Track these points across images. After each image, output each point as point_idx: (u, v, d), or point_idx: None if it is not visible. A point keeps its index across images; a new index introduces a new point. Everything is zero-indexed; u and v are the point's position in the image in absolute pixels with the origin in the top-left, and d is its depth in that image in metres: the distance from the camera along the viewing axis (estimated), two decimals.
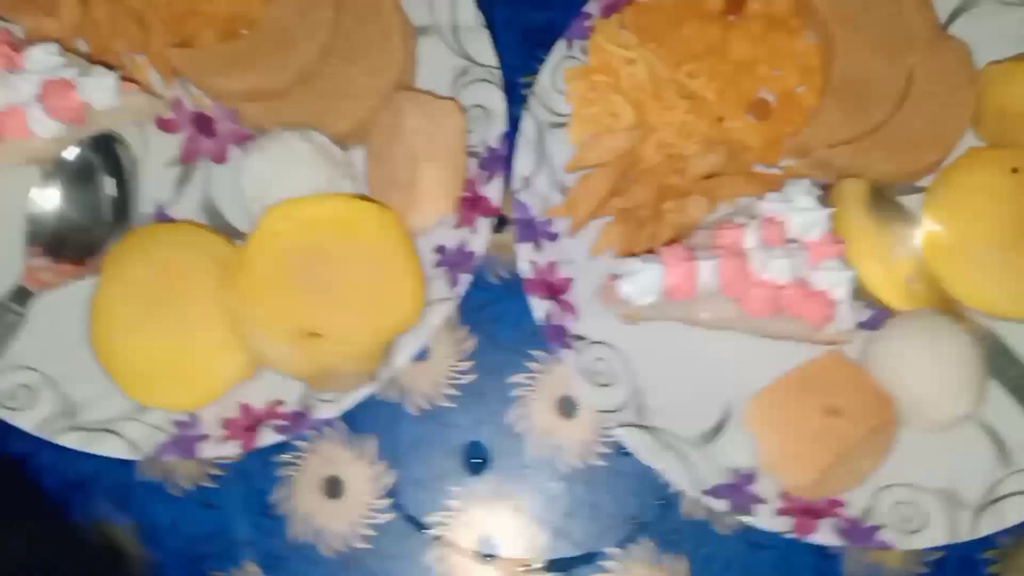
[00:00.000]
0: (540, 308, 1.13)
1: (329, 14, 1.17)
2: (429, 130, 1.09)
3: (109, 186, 1.15)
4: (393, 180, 1.11)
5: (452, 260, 1.13)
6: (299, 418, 1.10)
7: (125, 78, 1.14)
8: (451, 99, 1.14)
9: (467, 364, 1.19)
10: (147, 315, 1.06)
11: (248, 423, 1.10)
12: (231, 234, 1.16)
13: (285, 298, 1.02)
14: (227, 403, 1.10)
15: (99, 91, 1.10)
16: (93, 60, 1.18)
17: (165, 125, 1.21)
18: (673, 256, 1.04)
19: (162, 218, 1.18)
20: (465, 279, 1.13)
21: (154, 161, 1.20)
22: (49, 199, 1.14)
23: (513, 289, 1.19)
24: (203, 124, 1.21)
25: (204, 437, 1.09)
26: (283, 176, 1.08)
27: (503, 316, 1.20)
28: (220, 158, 1.20)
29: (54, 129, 1.11)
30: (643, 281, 1.04)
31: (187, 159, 1.20)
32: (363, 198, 1.08)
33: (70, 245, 1.14)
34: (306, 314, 1.01)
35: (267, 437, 1.09)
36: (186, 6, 1.19)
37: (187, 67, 1.17)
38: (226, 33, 1.19)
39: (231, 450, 1.09)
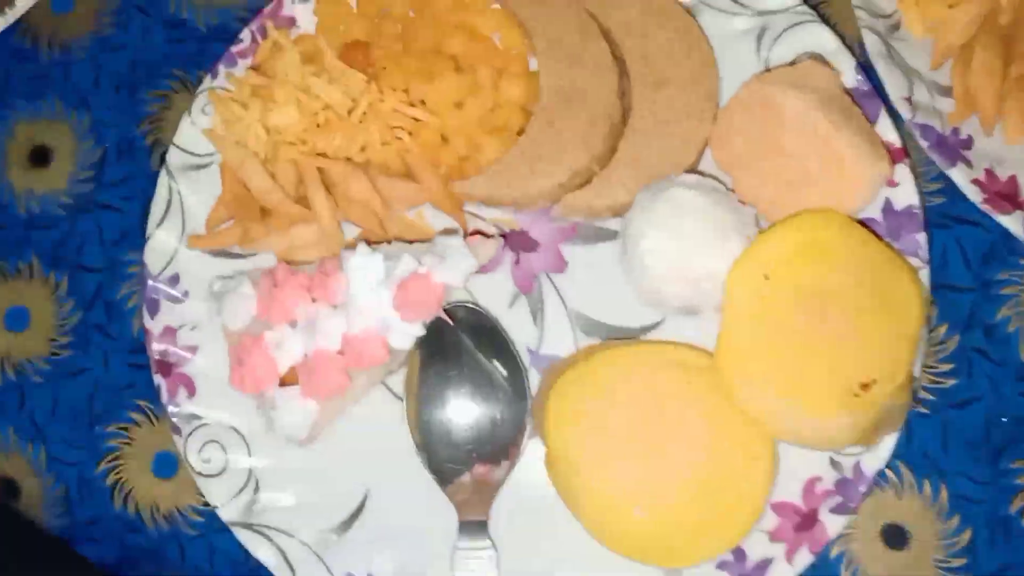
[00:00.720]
0: (1014, 223, 0.95)
1: (603, 48, 0.97)
2: (817, 102, 0.89)
3: (485, 362, 0.95)
4: (799, 176, 0.91)
5: (895, 226, 0.95)
6: (851, 484, 0.91)
7: (471, 233, 0.95)
8: (808, 59, 0.95)
9: (942, 328, 1.00)
10: (645, 471, 0.87)
11: (799, 522, 0.91)
12: (616, 336, 0.98)
13: (819, 364, 0.83)
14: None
15: (457, 262, 0.90)
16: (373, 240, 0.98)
17: (482, 268, 1.01)
18: None
19: (541, 360, 0.99)
20: (924, 240, 0.94)
21: (495, 310, 1.00)
22: (459, 412, 0.95)
23: (936, 222, 1.02)
24: (520, 242, 1.01)
25: (765, 564, 0.90)
26: (696, 237, 0.89)
27: (949, 254, 1.01)
28: (559, 266, 1.01)
29: (415, 332, 0.91)
30: None
31: (527, 287, 1.01)
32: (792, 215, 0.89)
33: (492, 447, 0.94)
34: (850, 368, 0.82)
35: (834, 524, 0.90)
36: (436, 135, 1.00)
37: (486, 191, 0.97)
38: (503, 132, 0.99)
39: (805, 560, 0.90)
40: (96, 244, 1.09)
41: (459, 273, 0.90)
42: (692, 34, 0.97)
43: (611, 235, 1.00)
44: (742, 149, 0.95)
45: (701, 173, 0.97)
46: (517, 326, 1.00)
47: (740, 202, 0.94)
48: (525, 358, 0.99)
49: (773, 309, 0.83)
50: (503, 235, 1.01)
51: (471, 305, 0.97)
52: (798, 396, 0.82)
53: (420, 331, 0.91)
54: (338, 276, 0.90)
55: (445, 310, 0.95)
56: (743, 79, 0.98)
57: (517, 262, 1.01)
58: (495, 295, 1.01)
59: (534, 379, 0.98)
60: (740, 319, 0.84)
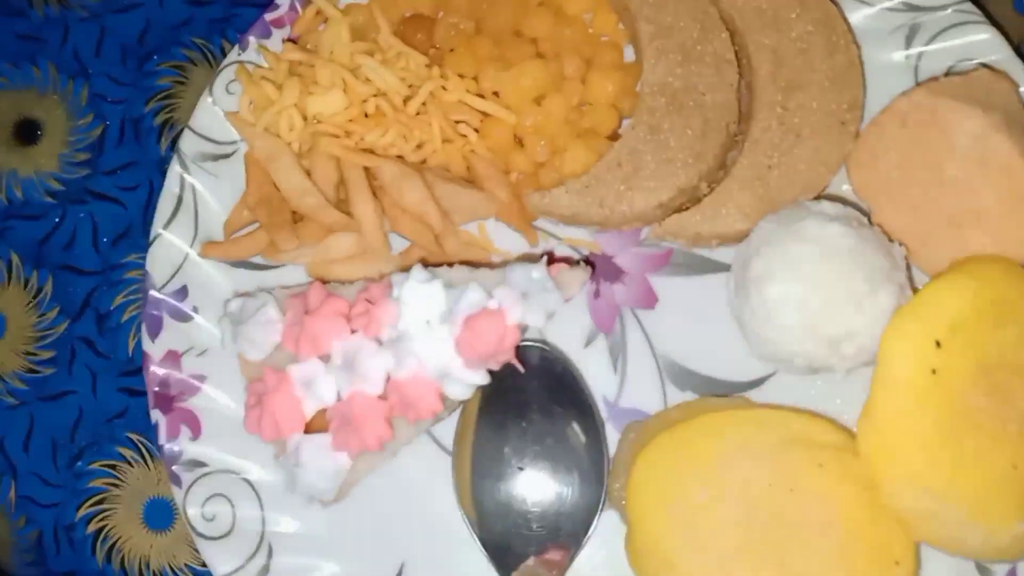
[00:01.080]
0: None
1: (725, 40, 0.80)
2: (1000, 123, 0.72)
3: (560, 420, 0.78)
4: (965, 212, 0.74)
5: None
6: None
7: (555, 259, 0.77)
8: (979, 67, 0.78)
9: None
10: (761, 573, 0.70)
11: None
12: (714, 391, 0.81)
13: (1000, 459, 0.65)
14: None
15: (540, 300, 0.72)
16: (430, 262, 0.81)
17: None
18: None
19: (620, 414, 0.81)
20: None
21: (567, 350, 0.83)
22: (524, 482, 0.78)
23: None
24: (602, 270, 0.84)
25: None
26: (839, 285, 0.71)
27: None
28: (647, 301, 0.83)
29: (477, 380, 0.74)
30: None
31: (607, 325, 0.83)
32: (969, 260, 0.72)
33: (561, 523, 0.77)
34: None
35: None
36: (510, 134, 0.82)
37: (570, 208, 0.80)
38: (591, 136, 0.82)
39: None
40: (88, 242, 0.93)
41: (540, 314, 0.72)
42: (836, 28, 0.79)
43: (716, 267, 0.83)
44: (891, 173, 0.78)
45: (840, 200, 0.79)
46: (593, 371, 0.83)
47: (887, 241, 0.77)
48: (600, 408, 0.82)
49: (945, 386, 0.66)
50: (587, 262, 0.83)
51: (544, 347, 0.80)
52: (968, 498, 0.65)
53: (483, 380, 0.74)
54: (386, 305, 0.73)
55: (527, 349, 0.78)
56: (885, 85, 0.82)
57: (597, 294, 0.84)
58: (568, 332, 0.83)
59: (611, 436, 0.81)
60: (899, 396, 0.67)
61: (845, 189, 0.83)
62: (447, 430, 0.81)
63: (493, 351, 0.71)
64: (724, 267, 0.83)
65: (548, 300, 0.72)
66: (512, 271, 0.73)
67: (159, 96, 0.94)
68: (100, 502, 0.88)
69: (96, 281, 0.91)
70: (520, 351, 0.78)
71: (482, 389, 0.78)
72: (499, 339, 0.70)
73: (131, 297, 0.91)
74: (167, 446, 0.81)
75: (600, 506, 0.78)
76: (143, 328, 0.82)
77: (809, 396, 0.79)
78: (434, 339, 0.72)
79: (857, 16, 0.84)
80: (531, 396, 0.79)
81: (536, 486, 0.78)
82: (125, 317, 0.90)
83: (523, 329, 0.74)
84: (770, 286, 0.73)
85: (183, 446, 0.81)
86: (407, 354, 0.73)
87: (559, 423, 0.79)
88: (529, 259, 0.80)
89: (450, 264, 0.78)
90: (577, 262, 0.81)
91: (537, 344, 0.81)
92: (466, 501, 0.79)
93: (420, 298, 0.72)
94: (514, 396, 0.79)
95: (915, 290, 0.77)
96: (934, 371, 0.66)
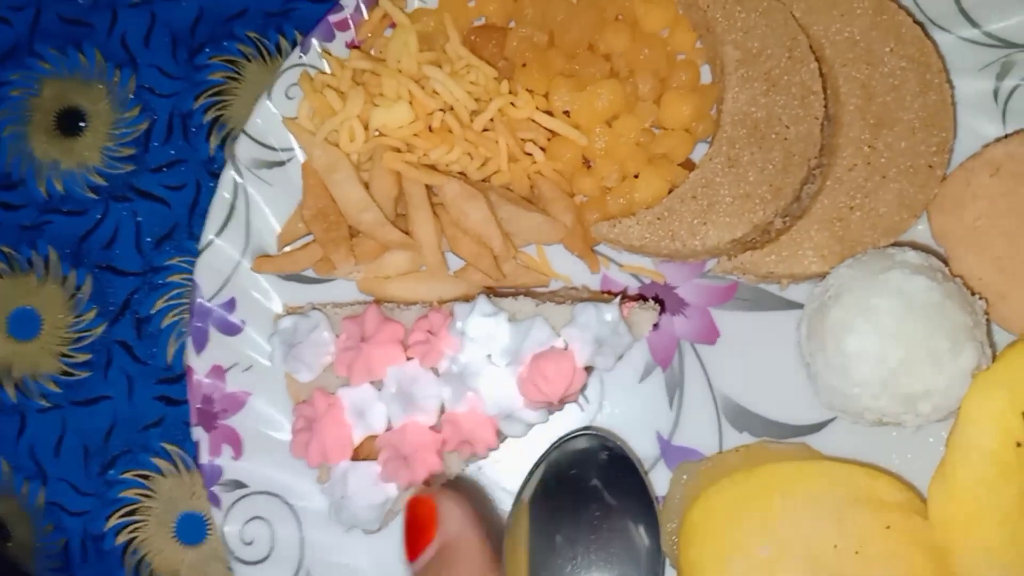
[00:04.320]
0: None
1: (813, 71, 0.80)
2: None
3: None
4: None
5: None
6: None
7: (627, 297, 0.78)
8: None
9: None
10: None
11: None
12: (773, 434, 0.82)
13: None
14: None
15: (613, 343, 0.72)
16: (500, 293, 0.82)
17: None
18: None
19: (673, 453, 0.82)
20: None
21: (622, 383, 0.84)
22: None
23: None
24: (666, 303, 0.85)
25: None
26: (923, 343, 0.71)
27: None
28: (708, 336, 0.84)
29: (536, 421, 0.75)
30: None
31: (665, 359, 0.84)
32: None
33: None
34: None
35: None
36: (579, 156, 0.83)
37: (640, 239, 0.80)
38: (663, 163, 0.82)
39: None
40: (131, 242, 0.93)
41: (611, 357, 0.73)
42: (931, 66, 0.79)
43: (782, 305, 0.84)
44: (976, 222, 0.78)
45: (922, 248, 0.79)
46: (647, 406, 0.84)
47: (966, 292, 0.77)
48: (653, 445, 0.83)
49: None
50: (657, 300, 0.84)
51: (603, 435, 0.81)
52: None
53: (542, 420, 0.75)
54: (448, 337, 0.73)
55: (569, 440, 0.80)
56: (972, 126, 0.82)
57: (656, 326, 0.84)
58: (623, 365, 0.84)
59: (662, 475, 0.82)
60: (981, 466, 0.68)
61: (919, 230, 0.83)
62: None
63: (559, 393, 0.72)
64: (791, 305, 0.84)
65: (620, 343, 0.73)
66: (583, 311, 0.73)
67: (210, 92, 0.94)
68: (131, 513, 0.89)
69: (137, 283, 0.92)
70: (584, 444, 0.80)
71: (539, 475, 0.80)
72: (566, 381, 0.71)
73: (172, 302, 0.91)
74: (208, 465, 0.82)
75: None
76: (188, 341, 0.83)
77: (869, 445, 0.80)
78: (496, 375, 0.73)
79: (944, 49, 0.83)
80: (594, 500, 0.79)
81: None
82: (165, 322, 0.91)
83: (590, 371, 0.76)
84: (849, 338, 0.73)
85: (224, 465, 0.82)
86: (465, 388, 0.74)
87: (615, 517, 0.79)
88: (593, 294, 0.80)
89: (514, 294, 0.78)
90: (646, 300, 0.81)
91: (597, 433, 0.81)
92: None
93: (484, 332, 0.73)
94: (570, 485, 0.80)
95: (992, 346, 0.78)
96: (1019, 444, 0.67)
